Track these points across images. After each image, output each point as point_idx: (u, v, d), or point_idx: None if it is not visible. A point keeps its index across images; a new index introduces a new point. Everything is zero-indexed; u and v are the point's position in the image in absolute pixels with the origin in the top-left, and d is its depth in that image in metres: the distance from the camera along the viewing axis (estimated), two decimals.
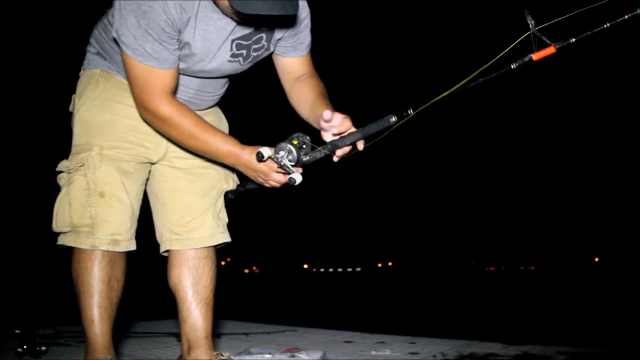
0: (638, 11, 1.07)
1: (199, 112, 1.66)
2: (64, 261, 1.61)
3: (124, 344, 2.51)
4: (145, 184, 1.72)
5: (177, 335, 2.33)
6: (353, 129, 1.42)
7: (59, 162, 1.59)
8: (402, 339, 2.64)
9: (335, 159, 1.45)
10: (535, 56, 1.19)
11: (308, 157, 1.44)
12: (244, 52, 1.50)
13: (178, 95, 1.58)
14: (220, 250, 1.82)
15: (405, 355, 2.19)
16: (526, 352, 2.14)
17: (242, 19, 1.37)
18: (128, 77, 1.41)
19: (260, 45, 1.52)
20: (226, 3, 1.29)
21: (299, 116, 1.63)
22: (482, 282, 23.46)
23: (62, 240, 1.58)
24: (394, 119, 1.36)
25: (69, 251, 1.59)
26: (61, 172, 1.59)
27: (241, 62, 1.53)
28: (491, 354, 2.14)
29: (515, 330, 5.94)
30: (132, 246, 1.62)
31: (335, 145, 1.42)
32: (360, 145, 1.43)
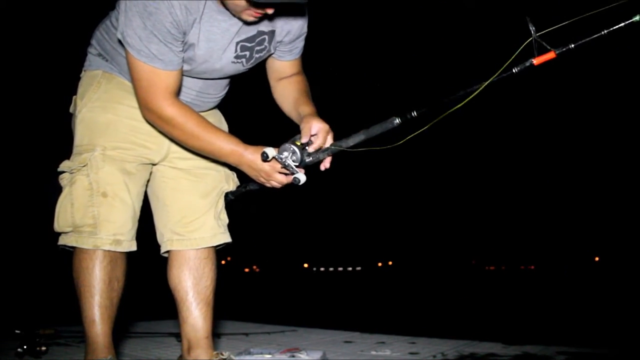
0: (635, 18, 1.10)
1: (200, 114, 1.67)
2: (64, 261, 1.61)
3: (124, 344, 2.51)
4: (146, 185, 1.72)
5: (177, 335, 2.33)
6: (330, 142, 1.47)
7: (59, 163, 1.59)
8: (402, 339, 2.64)
9: (322, 167, 1.50)
10: (536, 61, 1.23)
11: (311, 158, 1.46)
12: (247, 53, 1.52)
13: (180, 97, 1.58)
14: (220, 250, 1.82)
15: (405, 355, 2.19)
16: (526, 352, 2.14)
17: (251, 19, 1.38)
18: (132, 78, 1.42)
19: (263, 47, 1.54)
20: (239, 2, 1.31)
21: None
22: (482, 281, 23.47)
23: (63, 241, 1.58)
24: (397, 120, 1.38)
25: (69, 251, 1.59)
26: (63, 172, 1.59)
27: (244, 63, 1.55)
28: (491, 354, 2.14)
29: (515, 330, 5.94)
30: (134, 247, 1.62)
31: (339, 146, 1.44)
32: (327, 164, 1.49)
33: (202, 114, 1.68)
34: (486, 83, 1.25)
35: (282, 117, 1.69)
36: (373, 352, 2.29)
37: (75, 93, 1.66)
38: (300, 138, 1.47)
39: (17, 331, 2.18)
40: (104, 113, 1.57)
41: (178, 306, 1.71)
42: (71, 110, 1.67)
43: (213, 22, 1.39)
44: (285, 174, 1.45)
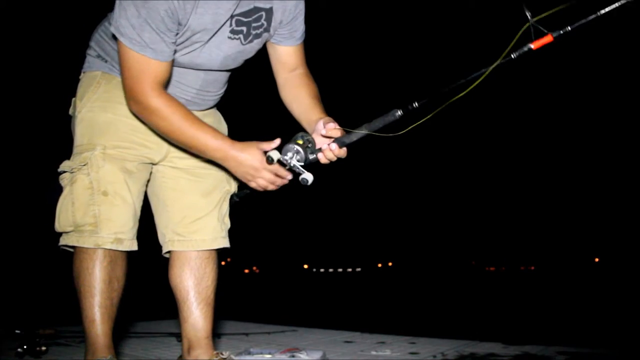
0: None
1: (199, 113, 1.66)
2: (64, 261, 1.62)
3: (124, 344, 2.51)
4: (146, 186, 1.72)
5: (177, 335, 2.33)
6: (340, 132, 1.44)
7: (60, 163, 1.59)
8: (402, 339, 2.64)
9: (324, 160, 1.45)
10: (534, 45, 1.21)
11: (315, 155, 1.43)
12: (244, 29, 1.49)
13: (180, 95, 1.58)
14: (220, 251, 1.82)
15: (405, 355, 2.19)
16: (526, 352, 2.14)
17: None
18: (121, 68, 1.40)
19: (260, 23, 1.51)
20: None
21: (292, 116, 1.65)
22: (482, 282, 23.46)
23: (64, 240, 1.57)
24: (399, 112, 1.35)
25: (70, 252, 1.59)
26: (63, 172, 1.59)
27: (242, 40, 1.51)
28: (491, 354, 2.14)
29: (515, 330, 5.94)
30: (135, 246, 1.61)
31: (342, 142, 1.41)
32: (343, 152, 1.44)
33: (201, 113, 1.69)
34: (488, 71, 1.22)
35: (281, 116, 1.69)
36: (373, 352, 2.29)
37: (74, 95, 1.66)
38: (301, 137, 1.43)
39: (17, 331, 2.19)
40: (103, 113, 1.57)
41: (179, 306, 1.71)
42: (70, 112, 1.67)
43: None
44: (281, 176, 1.43)
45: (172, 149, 1.68)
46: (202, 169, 1.73)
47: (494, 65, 1.23)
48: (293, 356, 1.88)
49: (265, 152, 1.39)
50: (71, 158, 1.58)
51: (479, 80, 1.25)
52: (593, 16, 1.14)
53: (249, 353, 1.96)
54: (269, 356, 1.90)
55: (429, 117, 1.31)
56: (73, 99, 1.65)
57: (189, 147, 1.46)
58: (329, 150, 1.42)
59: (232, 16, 1.44)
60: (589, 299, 11.42)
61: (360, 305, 11.36)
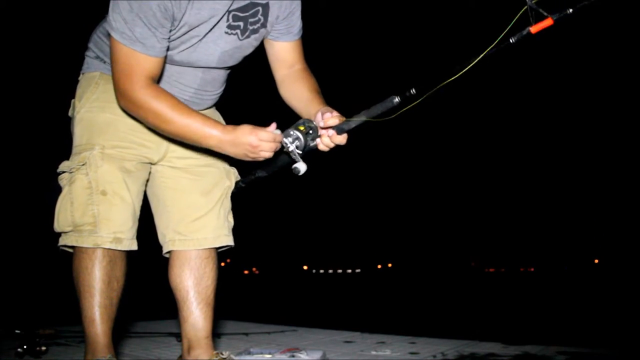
0: None
1: None
2: (64, 261, 1.62)
3: (124, 344, 2.51)
4: (145, 186, 1.72)
5: (177, 335, 2.32)
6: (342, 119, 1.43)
7: (59, 163, 1.59)
8: (402, 339, 2.64)
9: (322, 147, 1.45)
10: (534, 29, 1.18)
11: (315, 142, 1.43)
12: (241, 24, 1.49)
13: (178, 95, 1.58)
14: (220, 252, 1.82)
15: (405, 355, 2.19)
16: (526, 352, 2.14)
17: None
18: (112, 63, 1.39)
19: (257, 19, 1.51)
20: None
21: (289, 111, 1.65)
22: (482, 283, 23.45)
23: (63, 241, 1.57)
24: (397, 99, 1.34)
25: (69, 252, 1.59)
26: (62, 173, 1.59)
27: (239, 35, 1.51)
28: (491, 354, 2.14)
29: (515, 330, 5.94)
30: (134, 246, 1.61)
31: (341, 128, 1.41)
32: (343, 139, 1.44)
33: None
34: (483, 54, 1.20)
35: (281, 115, 1.69)
36: (373, 352, 2.29)
37: (73, 96, 1.66)
38: (303, 123, 1.42)
39: (17, 331, 2.19)
40: (102, 112, 1.57)
41: (179, 306, 1.71)
42: (70, 113, 1.67)
43: None
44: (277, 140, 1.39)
45: (171, 149, 1.68)
46: (201, 167, 1.73)
47: (488, 49, 1.20)
48: (293, 356, 1.88)
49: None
50: (70, 158, 1.58)
51: (473, 63, 1.22)
52: None
53: (249, 353, 1.96)
54: (269, 356, 1.90)
55: (424, 97, 1.30)
56: (72, 100, 1.66)
57: (181, 138, 1.42)
58: (327, 137, 1.42)
59: (228, 11, 1.44)
60: (589, 299, 11.41)
61: (360, 305, 11.36)
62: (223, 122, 1.84)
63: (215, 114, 1.83)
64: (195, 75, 1.59)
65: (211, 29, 1.45)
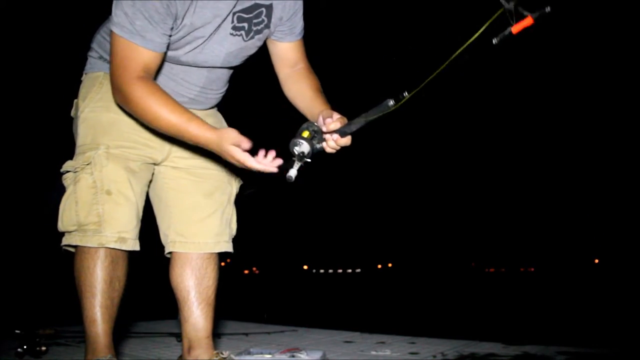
0: None
1: (201, 112, 1.67)
2: (64, 261, 1.62)
3: (124, 344, 2.51)
4: (148, 187, 1.72)
5: (177, 335, 2.33)
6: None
7: (61, 164, 1.60)
8: (402, 339, 2.64)
9: (329, 150, 1.45)
10: (514, 29, 1.20)
11: (322, 145, 1.44)
12: (246, 25, 1.50)
13: (183, 93, 1.59)
14: (221, 252, 1.82)
15: (405, 355, 2.19)
16: (526, 352, 2.14)
17: None
18: (110, 58, 1.38)
19: (261, 19, 1.52)
20: None
21: (291, 112, 1.66)
22: (482, 283, 23.45)
23: (67, 240, 1.57)
24: (392, 102, 1.36)
25: (71, 252, 1.59)
26: (66, 172, 1.59)
27: (244, 36, 1.52)
28: (491, 354, 2.14)
29: (515, 330, 5.94)
30: (137, 246, 1.62)
31: (343, 132, 1.42)
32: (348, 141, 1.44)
33: (203, 112, 1.69)
34: (458, 51, 1.21)
35: (283, 114, 1.70)
36: (373, 352, 2.29)
37: (76, 97, 1.66)
38: (307, 128, 1.42)
39: (17, 331, 2.18)
40: (106, 112, 1.58)
41: (179, 306, 1.71)
42: (72, 114, 1.67)
43: None
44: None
45: (174, 149, 1.69)
46: (204, 169, 1.74)
47: (464, 46, 1.21)
48: (293, 356, 1.88)
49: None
50: (74, 158, 1.59)
51: (450, 59, 1.23)
52: None
53: (249, 353, 1.97)
54: (269, 356, 1.91)
55: (411, 94, 1.31)
56: (75, 100, 1.66)
57: (172, 134, 1.38)
58: (332, 140, 1.43)
59: (233, 13, 1.45)
60: (589, 299, 11.42)
61: (360, 305, 11.36)
62: (224, 123, 1.85)
63: (217, 114, 1.83)
64: (201, 74, 1.60)
65: (216, 30, 1.46)
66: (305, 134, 1.40)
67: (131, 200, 1.58)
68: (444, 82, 1.29)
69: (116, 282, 1.57)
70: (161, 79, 1.55)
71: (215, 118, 1.80)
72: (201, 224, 1.71)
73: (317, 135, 1.43)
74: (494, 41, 1.22)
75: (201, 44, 1.48)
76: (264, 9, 1.51)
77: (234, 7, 1.44)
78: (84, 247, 1.54)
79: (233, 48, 1.54)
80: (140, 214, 1.64)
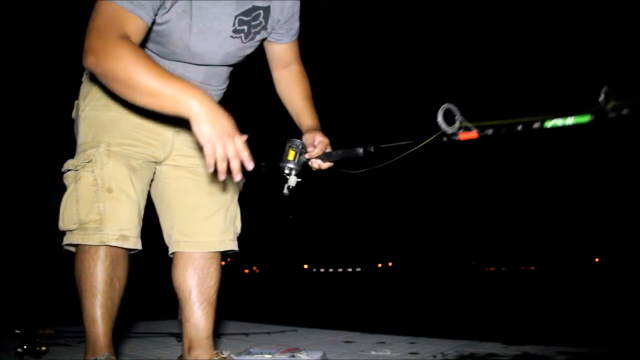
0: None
1: None
2: (64, 261, 1.61)
3: (124, 344, 2.51)
4: (150, 186, 1.72)
5: (177, 335, 2.33)
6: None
7: (61, 163, 1.59)
8: (402, 339, 2.64)
9: (316, 165, 1.61)
10: (461, 137, 1.33)
11: (306, 156, 1.59)
12: (245, 28, 1.52)
13: None
14: (224, 252, 1.82)
15: (405, 355, 2.19)
16: (526, 352, 2.14)
17: None
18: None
19: (258, 22, 1.54)
20: None
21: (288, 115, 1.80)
22: (482, 282, 23.46)
23: (68, 239, 1.57)
24: (361, 150, 1.52)
25: (72, 252, 1.59)
26: (67, 171, 1.59)
27: (242, 39, 1.54)
28: (491, 354, 2.14)
29: (515, 330, 5.95)
30: (139, 245, 1.61)
31: (327, 156, 1.59)
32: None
33: None
34: (414, 148, 1.39)
35: (283, 113, 1.76)
36: (373, 352, 2.29)
37: (77, 97, 1.66)
38: (292, 146, 1.59)
39: (17, 331, 2.18)
40: (107, 111, 1.58)
41: (181, 305, 1.71)
42: (73, 115, 1.67)
43: None
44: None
45: (176, 147, 1.69)
46: (205, 167, 1.73)
47: (421, 144, 1.38)
48: (293, 356, 1.88)
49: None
50: (75, 156, 1.58)
51: (404, 154, 1.42)
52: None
53: (249, 353, 1.97)
54: (269, 356, 1.91)
55: (376, 167, 1.55)
56: (76, 102, 1.66)
57: (155, 99, 1.20)
58: (316, 164, 1.61)
59: (235, 16, 1.47)
60: (589, 299, 11.42)
61: (360, 305, 11.37)
62: None
63: None
64: (200, 70, 1.61)
65: (216, 32, 1.47)
66: (291, 155, 1.58)
67: (132, 198, 1.57)
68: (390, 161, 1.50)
69: (116, 282, 1.56)
70: None
71: None
72: (205, 223, 1.71)
73: (303, 148, 1.61)
74: (444, 139, 1.35)
75: (201, 43, 1.49)
76: (261, 11, 1.53)
77: (234, 9, 1.45)
78: (85, 246, 1.53)
79: (232, 49, 1.56)
80: (142, 212, 1.64)
